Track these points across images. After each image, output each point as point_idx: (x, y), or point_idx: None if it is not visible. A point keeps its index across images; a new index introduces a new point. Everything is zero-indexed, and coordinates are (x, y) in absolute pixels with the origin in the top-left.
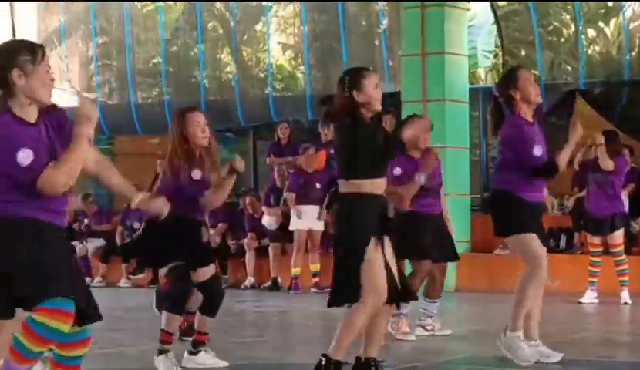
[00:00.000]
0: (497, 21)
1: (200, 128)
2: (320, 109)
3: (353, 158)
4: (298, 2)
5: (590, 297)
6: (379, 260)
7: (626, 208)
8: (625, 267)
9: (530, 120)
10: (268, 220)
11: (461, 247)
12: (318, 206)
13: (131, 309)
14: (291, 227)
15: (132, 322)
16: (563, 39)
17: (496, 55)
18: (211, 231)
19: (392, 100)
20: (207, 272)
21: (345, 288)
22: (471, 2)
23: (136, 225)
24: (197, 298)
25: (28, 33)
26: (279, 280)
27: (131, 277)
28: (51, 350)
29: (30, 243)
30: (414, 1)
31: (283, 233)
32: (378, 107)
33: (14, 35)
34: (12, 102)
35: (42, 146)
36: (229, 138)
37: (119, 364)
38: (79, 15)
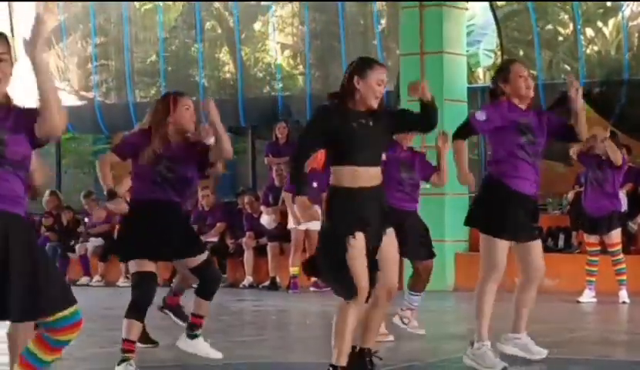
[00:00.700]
0: (496, 21)
1: (189, 112)
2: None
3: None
4: (297, 2)
5: (588, 297)
6: (360, 254)
7: (624, 207)
8: (623, 266)
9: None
10: (267, 220)
11: (459, 247)
12: (315, 206)
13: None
14: (289, 226)
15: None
16: (561, 39)
17: (496, 55)
18: (210, 231)
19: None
20: (197, 258)
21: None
22: (470, 2)
23: None
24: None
25: (26, 32)
26: (277, 279)
27: (129, 276)
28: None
29: None
30: (412, 1)
31: (281, 233)
32: (373, 104)
33: (12, 35)
34: None
35: None
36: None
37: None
38: (78, 15)
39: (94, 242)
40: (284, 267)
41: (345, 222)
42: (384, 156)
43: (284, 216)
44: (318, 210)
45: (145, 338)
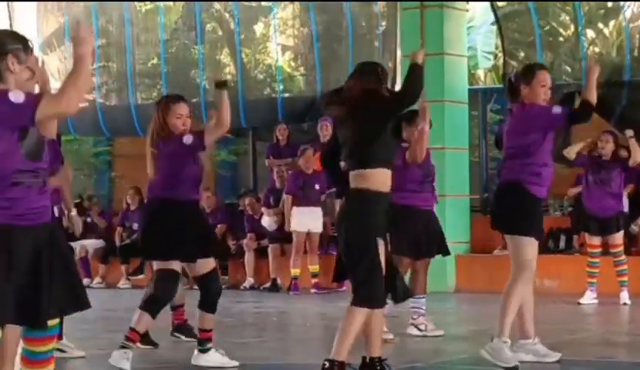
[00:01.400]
0: (498, 21)
1: (181, 120)
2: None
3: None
4: (298, 3)
5: (589, 298)
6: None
7: (626, 208)
8: (625, 267)
9: None
10: (268, 221)
11: (460, 248)
12: (317, 208)
13: (131, 310)
14: (287, 228)
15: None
16: (562, 40)
17: (495, 56)
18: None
19: None
20: (206, 265)
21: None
22: (470, 3)
23: (135, 226)
24: (182, 294)
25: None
26: (279, 281)
27: (130, 278)
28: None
29: None
30: (413, 2)
31: (282, 234)
32: None
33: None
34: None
35: None
36: (228, 138)
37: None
38: (79, 16)
39: (94, 244)
40: (285, 268)
41: (378, 226)
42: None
43: (285, 217)
44: (319, 211)
45: (146, 339)
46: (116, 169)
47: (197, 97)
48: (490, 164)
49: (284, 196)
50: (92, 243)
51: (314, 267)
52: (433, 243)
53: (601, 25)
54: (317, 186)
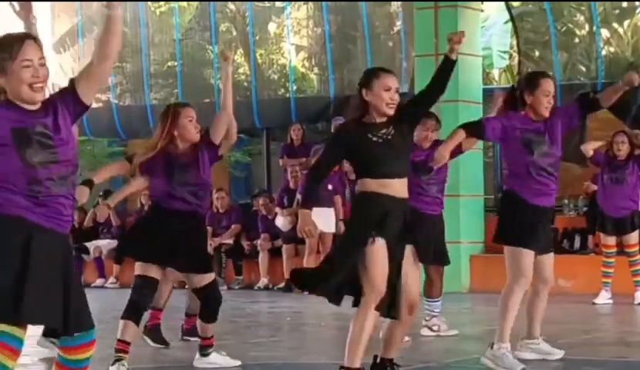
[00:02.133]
0: (513, 21)
1: (192, 123)
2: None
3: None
4: (313, 3)
5: (604, 298)
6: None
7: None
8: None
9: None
10: (282, 222)
11: (475, 248)
12: (329, 208)
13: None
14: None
15: (143, 323)
16: (577, 40)
17: (510, 56)
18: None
19: None
20: (204, 279)
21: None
22: (484, 3)
23: None
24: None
25: (42, 34)
26: None
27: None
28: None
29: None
30: (427, 1)
31: (296, 235)
32: (387, 111)
33: None
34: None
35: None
36: (242, 139)
37: (130, 364)
38: (94, 17)
39: (109, 244)
40: None
41: (366, 225)
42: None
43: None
44: (332, 212)
45: (159, 338)
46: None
47: (212, 97)
48: (504, 164)
49: (298, 196)
50: (106, 244)
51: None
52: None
53: (615, 25)
54: (329, 187)
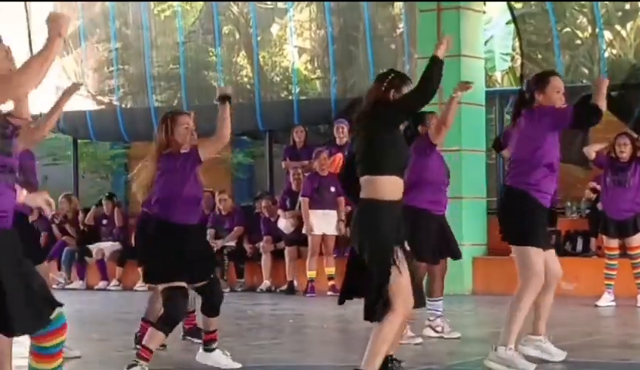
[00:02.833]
0: (515, 23)
1: (188, 131)
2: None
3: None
4: (315, 6)
5: (607, 300)
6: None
7: None
8: None
9: None
10: (284, 224)
11: (478, 250)
12: (332, 210)
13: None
14: (304, 231)
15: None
16: (579, 42)
17: (512, 58)
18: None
19: None
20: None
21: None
22: (487, 4)
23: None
24: (194, 298)
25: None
26: (295, 283)
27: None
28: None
29: None
30: (429, 2)
31: (299, 237)
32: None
33: (29, 39)
34: None
35: None
36: (245, 141)
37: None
38: (96, 19)
39: (111, 247)
40: (301, 271)
41: (392, 237)
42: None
43: (301, 220)
44: (334, 214)
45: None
46: (132, 171)
47: (215, 100)
48: (506, 166)
49: (301, 198)
50: (108, 246)
51: (331, 270)
52: (448, 246)
53: (618, 27)
54: (332, 189)
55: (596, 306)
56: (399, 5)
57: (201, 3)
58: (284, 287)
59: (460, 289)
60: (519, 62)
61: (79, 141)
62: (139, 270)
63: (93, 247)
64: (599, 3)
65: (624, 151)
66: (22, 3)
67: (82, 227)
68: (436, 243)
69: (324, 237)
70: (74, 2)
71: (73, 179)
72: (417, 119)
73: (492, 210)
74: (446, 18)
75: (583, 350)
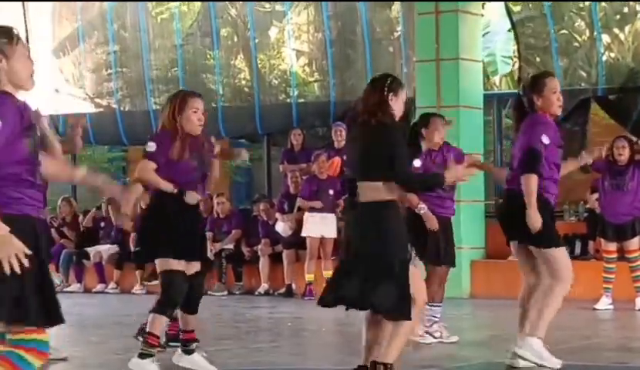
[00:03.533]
0: (514, 27)
1: (197, 115)
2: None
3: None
4: (312, 8)
5: (605, 304)
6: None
7: None
8: None
9: None
10: (282, 227)
11: (476, 254)
12: (331, 214)
13: (145, 315)
14: (303, 233)
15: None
16: (577, 45)
17: (512, 61)
18: (224, 238)
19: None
20: (192, 267)
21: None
22: (485, 5)
23: None
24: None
25: (42, 39)
26: (293, 286)
27: (145, 283)
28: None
29: None
30: (428, 5)
31: (297, 240)
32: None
33: (27, 39)
34: None
35: None
36: (243, 144)
37: None
38: (94, 21)
39: (109, 249)
40: (299, 274)
41: (404, 241)
42: (417, 163)
43: (299, 223)
44: (334, 217)
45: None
46: (130, 174)
47: (213, 102)
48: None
49: (299, 201)
50: (106, 249)
51: (329, 273)
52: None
53: (616, 30)
54: (331, 192)
55: (594, 309)
56: (396, 7)
57: (199, 5)
58: (283, 290)
59: (458, 292)
60: (517, 65)
61: None
62: (137, 273)
63: (91, 250)
64: (597, 6)
65: (623, 154)
66: (20, 3)
67: (81, 229)
68: (441, 246)
69: (322, 240)
70: (73, 3)
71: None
72: (422, 121)
73: (490, 214)
74: (445, 21)
75: (581, 353)
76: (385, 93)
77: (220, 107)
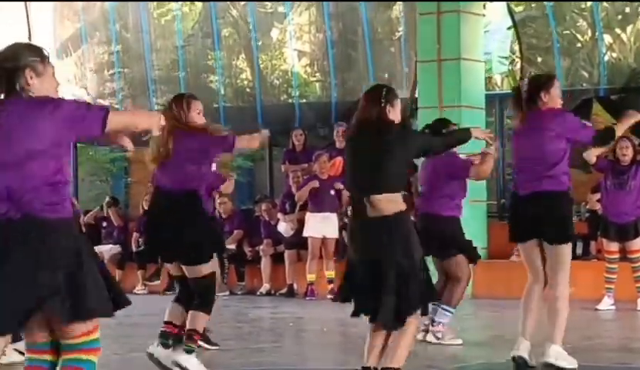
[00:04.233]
0: (515, 26)
1: (200, 117)
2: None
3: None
4: (314, 9)
5: (607, 304)
6: None
7: None
8: None
9: None
10: (284, 227)
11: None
12: (332, 214)
13: (146, 315)
14: (305, 234)
15: (147, 328)
16: (579, 45)
17: (512, 61)
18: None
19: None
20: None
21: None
22: (486, 8)
23: None
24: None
25: (44, 39)
26: (295, 286)
27: (147, 283)
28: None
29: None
30: (429, 5)
31: (299, 240)
32: None
33: (29, 39)
34: None
35: None
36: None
37: None
38: (96, 22)
39: (111, 249)
40: (301, 274)
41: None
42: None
43: (301, 223)
44: (335, 217)
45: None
46: (132, 174)
47: (215, 103)
48: (506, 170)
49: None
50: (108, 249)
51: (330, 273)
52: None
53: (618, 31)
54: (332, 192)
55: (596, 310)
56: (397, 8)
57: (200, 6)
58: (284, 291)
59: None
60: (518, 65)
61: (78, 144)
62: (139, 273)
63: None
64: (599, 6)
65: (626, 154)
66: (22, 3)
67: (83, 229)
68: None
69: (324, 240)
70: (74, 3)
71: (73, 182)
72: (441, 123)
73: (492, 214)
74: (446, 21)
75: (583, 354)
76: (383, 105)
77: (222, 107)
